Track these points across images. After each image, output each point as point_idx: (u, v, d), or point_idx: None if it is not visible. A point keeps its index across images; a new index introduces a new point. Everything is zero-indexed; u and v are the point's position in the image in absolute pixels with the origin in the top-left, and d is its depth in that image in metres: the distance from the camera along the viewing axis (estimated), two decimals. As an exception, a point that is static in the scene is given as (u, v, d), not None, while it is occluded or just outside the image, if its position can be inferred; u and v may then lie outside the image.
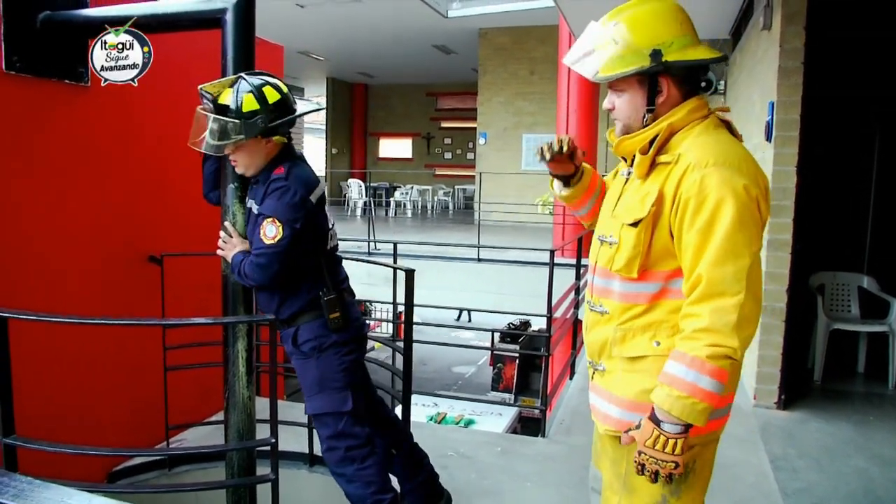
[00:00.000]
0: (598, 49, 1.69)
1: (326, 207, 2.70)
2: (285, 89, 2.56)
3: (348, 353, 2.65)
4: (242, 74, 2.53)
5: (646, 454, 1.60)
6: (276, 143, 2.55)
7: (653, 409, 1.61)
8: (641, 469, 1.62)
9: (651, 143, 1.70)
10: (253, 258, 2.49)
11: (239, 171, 2.60)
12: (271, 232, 2.42)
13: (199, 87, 2.49)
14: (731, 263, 1.56)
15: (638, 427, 1.64)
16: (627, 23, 1.66)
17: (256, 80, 2.50)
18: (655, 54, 1.64)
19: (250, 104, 2.45)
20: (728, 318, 1.54)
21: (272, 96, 2.49)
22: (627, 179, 1.81)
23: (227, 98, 2.46)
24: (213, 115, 2.45)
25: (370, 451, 2.66)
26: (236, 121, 2.44)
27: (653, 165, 1.71)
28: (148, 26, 2.79)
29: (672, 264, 1.67)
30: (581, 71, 1.74)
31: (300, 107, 2.65)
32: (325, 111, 21.75)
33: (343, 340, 2.63)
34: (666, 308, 1.69)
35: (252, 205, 2.60)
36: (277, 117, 2.50)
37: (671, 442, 1.58)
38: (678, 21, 1.68)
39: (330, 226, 2.69)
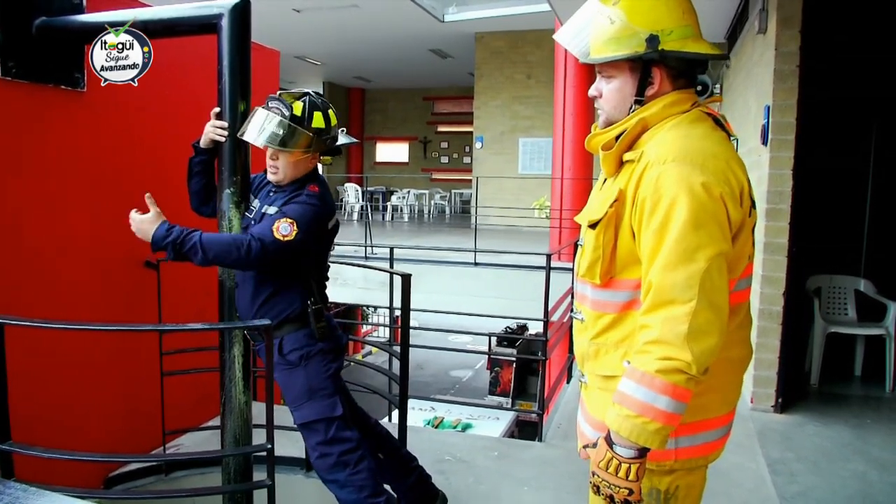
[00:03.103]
0: (593, 28, 1.58)
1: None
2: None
3: (333, 360, 2.71)
4: (309, 92, 2.66)
5: (599, 476, 1.49)
6: (317, 161, 2.71)
7: (609, 428, 1.49)
8: (597, 490, 1.50)
9: (618, 138, 1.58)
10: (258, 236, 2.48)
11: (275, 177, 2.64)
12: (285, 230, 2.48)
13: (279, 92, 2.62)
14: (682, 268, 1.41)
15: (595, 445, 1.52)
16: (628, 3, 1.55)
17: (321, 102, 2.66)
18: (652, 40, 1.52)
19: (318, 122, 2.61)
20: (679, 328, 1.39)
21: (333, 120, 2.68)
22: (606, 180, 1.69)
23: (298, 110, 2.58)
24: (289, 122, 2.54)
25: (362, 455, 2.67)
26: (309, 133, 2.58)
27: (621, 163, 1.59)
28: (144, 32, 2.79)
29: (640, 272, 1.52)
30: (572, 50, 1.65)
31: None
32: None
33: (328, 348, 2.69)
34: (636, 321, 1.53)
35: (265, 207, 2.65)
36: (334, 141, 2.70)
37: (624, 466, 1.44)
38: (682, 10, 1.56)
39: (334, 244, 2.80)
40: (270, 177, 2.66)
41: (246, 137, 2.57)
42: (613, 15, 1.55)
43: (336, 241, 2.88)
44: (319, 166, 2.79)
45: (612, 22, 1.55)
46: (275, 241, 2.47)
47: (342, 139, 2.82)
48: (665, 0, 1.56)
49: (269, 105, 2.56)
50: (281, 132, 2.53)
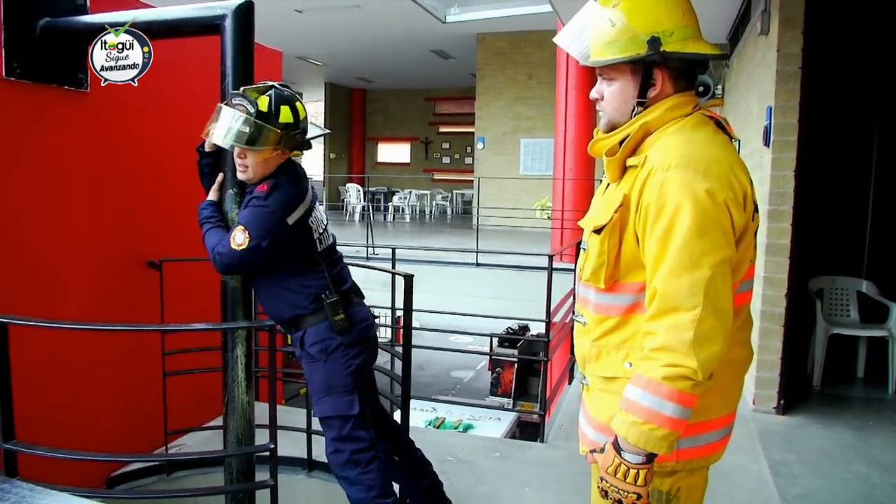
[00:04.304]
0: (593, 31, 1.58)
1: (319, 212, 2.71)
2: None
3: (356, 356, 2.65)
4: (274, 84, 2.54)
5: (607, 482, 1.50)
6: (287, 156, 2.59)
7: (616, 434, 1.50)
8: (605, 494, 1.52)
9: (622, 143, 1.58)
10: (217, 250, 2.53)
11: (243, 175, 2.58)
12: (240, 239, 2.47)
13: (242, 88, 2.51)
14: (686, 275, 1.42)
15: (602, 451, 1.54)
16: (627, 5, 1.54)
17: (288, 94, 2.54)
18: (653, 42, 1.52)
19: (286, 116, 2.50)
20: (684, 335, 1.40)
21: (301, 113, 2.56)
22: (609, 184, 1.68)
23: (264, 105, 2.46)
24: (255, 119, 2.44)
25: (374, 456, 2.66)
26: (278, 130, 2.47)
27: (625, 168, 1.59)
28: (147, 32, 2.79)
29: (644, 276, 1.53)
30: (572, 53, 1.64)
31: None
32: (323, 115, 21.85)
33: (350, 342, 2.64)
34: (639, 324, 1.54)
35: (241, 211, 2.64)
36: (304, 134, 2.59)
37: (632, 472, 1.46)
38: (681, 11, 1.56)
39: (320, 231, 2.68)
40: (240, 175, 2.60)
41: (213, 140, 2.51)
42: (614, 17, 1.55)
43: (338, 241, 2.85)
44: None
45: (613, 24, 1.54)
46: (231, 251, 2.48)
47: (313, 131, 2.73)
48: (665, 1, 1.55)
49: (234, 102, 2.47)
50: (247, 130, 2.43)
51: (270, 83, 2.55)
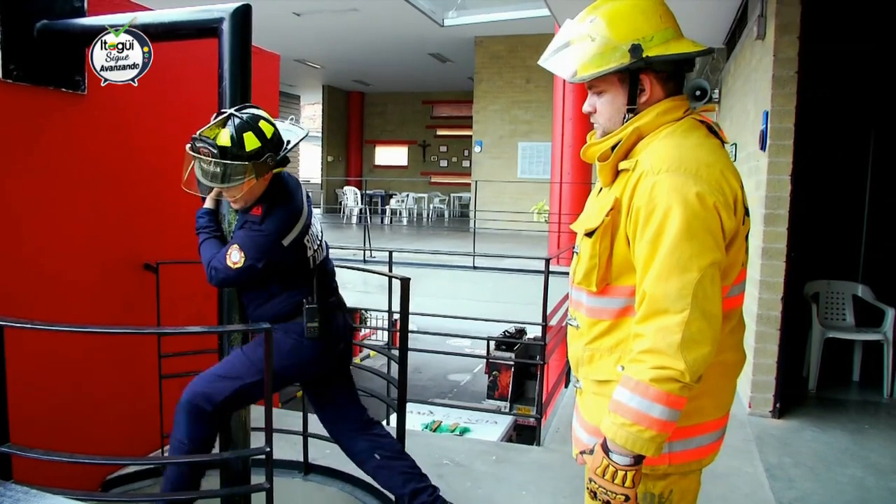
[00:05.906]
0: (575, 47, 1.59)
1: (315, 227, 2.72)
2: (272, 120, 2.56)
3: (281, 376, 2.63)
4: (231, 111, 2.47)
5: (595, 483, 1.50)
6: (271, 176, 2.55)
7: (604, 436, 1.51)
8: (594, 496, 1.52)
9: (614, 148, 1.60)
10: (213, 265, 2.56)
11: (236, 206, 2.59)
12: (235, 257, 2.49)
13: (197, 133, 2.42)
14: (675, 278, 1.43)
15: (591, 452, 1.54)
16: (605, 17, 1.56)
17: (248, 116, 2.47)
18: (635, 49, 1.53)
19: (252, 142, 2.43)
20: (672, 337, 1.41)
21: (268, 130, 2.48)
22: (602, 187, 1.69)
23: (225, 139, 2.41)
24: (219, 161, 2.39)
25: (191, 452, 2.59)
26: (245, 163, 2.41)
27: (618, 172, 1.61)
28: (145, 35, 2.79)
29: (635, 279, 1.54)
30: (558, 72, 1.63)
31: (282, 127, 2.64)
32: (321, 118, 21.88)
33: (292, 364, 2.64)
34: (631, 327, 1.54)
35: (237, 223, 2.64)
36: (277, 150, 2.51)
37: (620, 474, 1.47)
38: (658, 14, 1.56)
39: (315, 247, 2.68)
40: (233, 206, 2.62)
41: (189, 191, 2.54)
42: (592, 32, 1.56)
43: (335, 244, 2.86)
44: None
45: (593, 39, 1.56)
46: (227, 268, 2.51)
47: (294, 134, 2.67)
48: (641, 8, 1.57)
49: (196, 146, 2.41)
50: (217, 171, 2.41)
51: (227, 111, 2.48)
